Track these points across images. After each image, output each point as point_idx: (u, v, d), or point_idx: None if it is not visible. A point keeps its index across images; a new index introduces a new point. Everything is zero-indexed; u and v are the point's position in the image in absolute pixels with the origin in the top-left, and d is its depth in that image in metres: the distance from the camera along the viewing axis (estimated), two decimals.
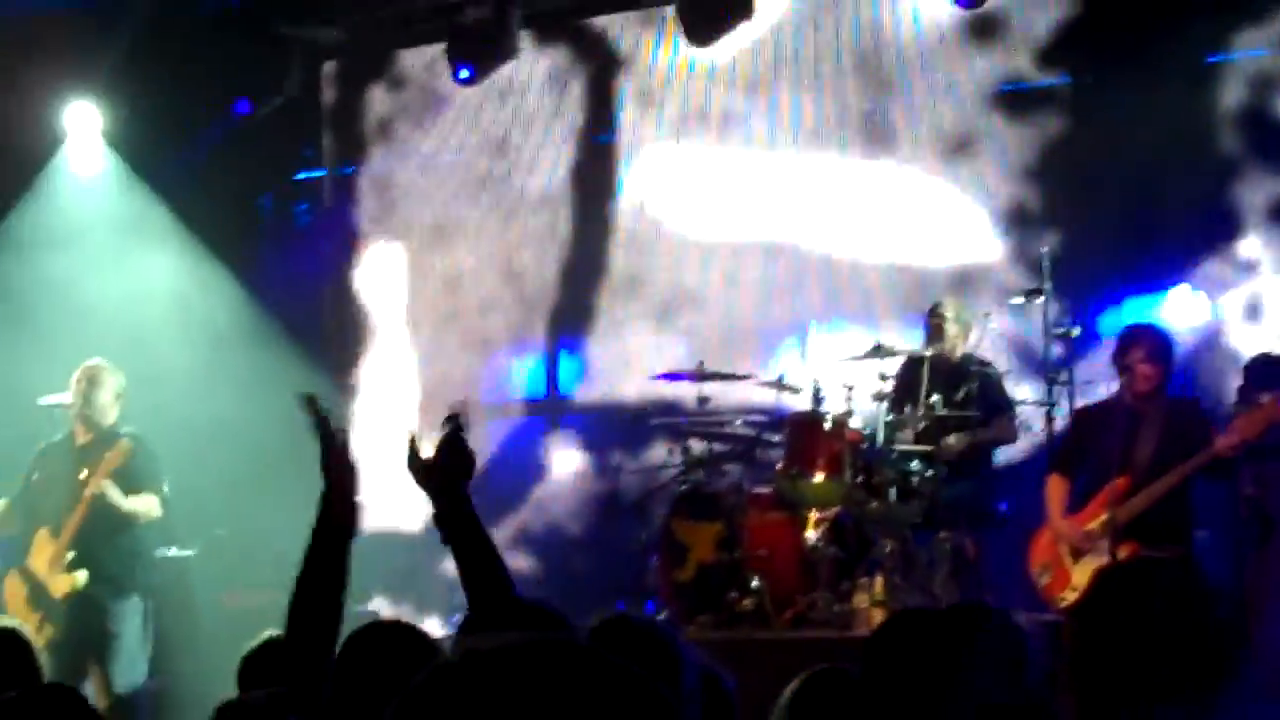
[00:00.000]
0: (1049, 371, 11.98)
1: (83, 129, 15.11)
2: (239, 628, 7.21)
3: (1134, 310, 12.63)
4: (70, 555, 11.36)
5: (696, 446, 12.78)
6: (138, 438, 11.57)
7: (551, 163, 15.53)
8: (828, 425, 11.89)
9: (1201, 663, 4.47)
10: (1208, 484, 10.77)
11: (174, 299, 14.51)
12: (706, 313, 14.70)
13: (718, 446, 12.83)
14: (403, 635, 5.82)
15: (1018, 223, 13.71)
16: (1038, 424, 12.07)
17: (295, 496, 12.09)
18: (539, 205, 15.55)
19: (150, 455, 11.56)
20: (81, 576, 11.33)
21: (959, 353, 12.18)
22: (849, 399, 12.13)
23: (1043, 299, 11.97)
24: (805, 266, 14.41)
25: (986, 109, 13.96)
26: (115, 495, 11.29)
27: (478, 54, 14.49)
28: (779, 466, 12.13)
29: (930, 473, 11.68)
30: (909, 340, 12.61)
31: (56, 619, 11.05)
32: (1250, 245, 12.95)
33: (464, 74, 14.86)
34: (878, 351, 12.08)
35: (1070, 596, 10.53)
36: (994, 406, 12.02)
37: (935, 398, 11.82)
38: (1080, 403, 11.72)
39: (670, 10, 14.10)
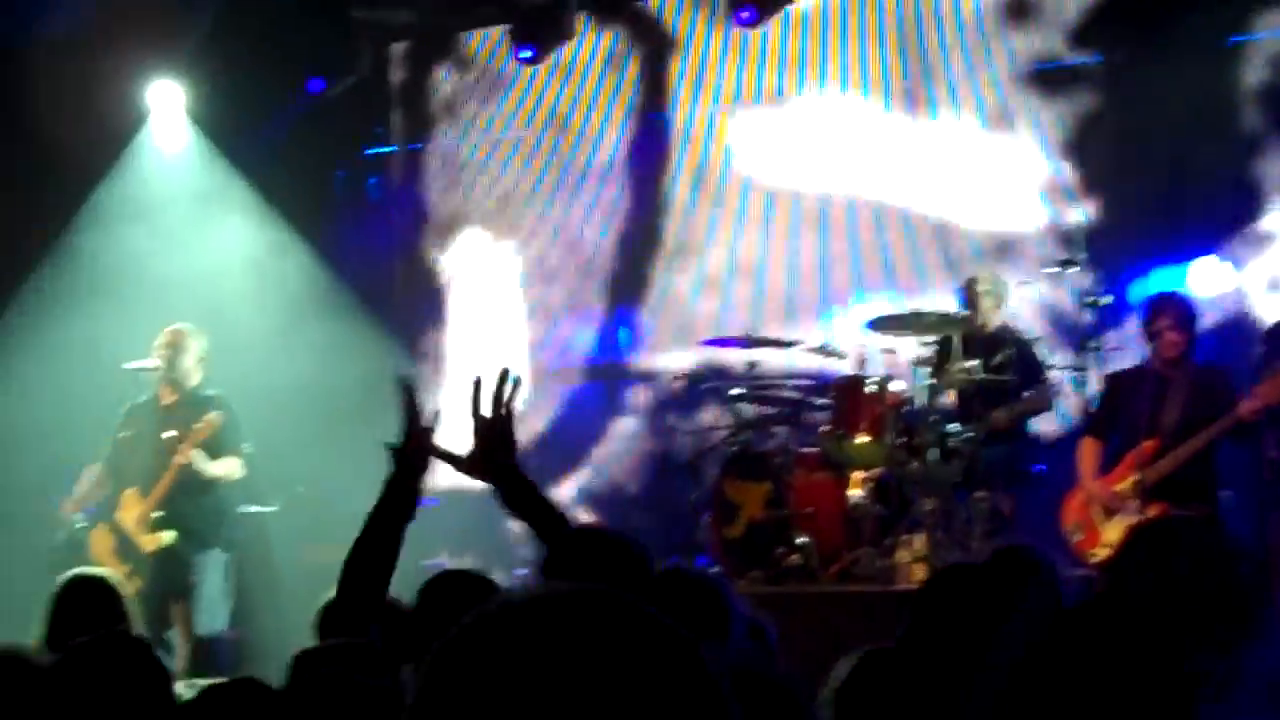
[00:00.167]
0: (1081, 338, 11.98)
1: (166, 106, 15.16)
2: (317, 581, 7.24)
3: (1162, 280, 12.58)
4: (157, 515, 11.45)
5: (746, 409, 12.79)
6: (222, 401, 11.63)
7: (609, 138, 15.55)
8: (871, 389, 11.88)
9: (1226, 616, 4.49)
10: (1232, 447, 10.77)
11: (253, 268, 14.56)
12: (756, 282, 14.70)
13: (766, 409, 12.83)
14: (474, 583, 5.90)
15: (1052, 196, 13.69)
16: (1070, 388, 12.08)
17: (370, 455, 12.17)
18: (597, 179, 15.57)
19: (233, 419, 11.62)
20: (168, 536, 11.41)
21: (994, 322, 12.19)
22: (890, 365, 12.17)
23: (1076, 269, 11.98)
24: (850, 237, 14.42)
25: (1023, 87, 13.94)
26: (202, 463, 11.37)
27: (538, 35, 14.51)
28: (824, 428, 12.13)
29: (969, 435, 11.70)
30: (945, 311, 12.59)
31: (143, 571, 11.13)
32: (1273, 218, 12.92)
33: (525, 54, 14.90)
34: (919, 320, 12.07)
35: (1102, 553, 10.52)
36: (1029, 371, 12.02)
37: (974, 363, 11.82)
38: (1111, 369, 11.73)
39: None
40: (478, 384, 5.31)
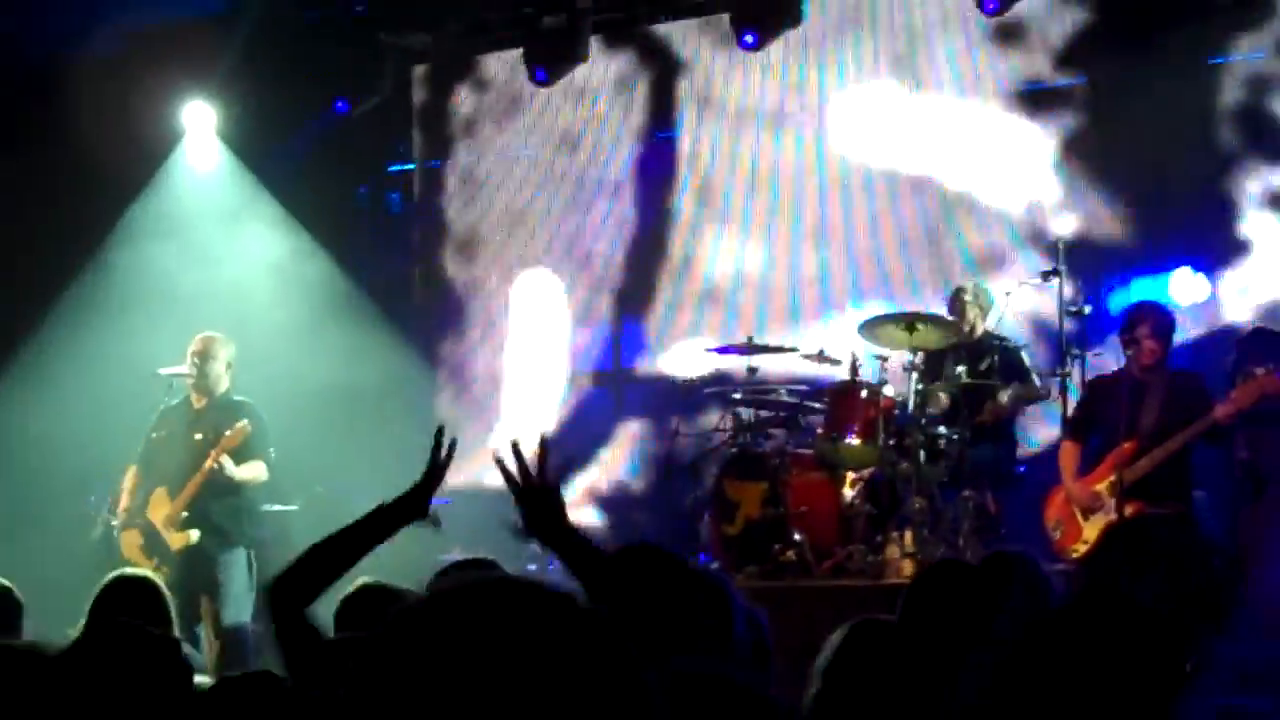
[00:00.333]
0: (1063, 345, 11.96)
1: (199, 126, 15.20)
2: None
3: (1140, 290, 12.59)
4: (184, 515, 11.46)
5: (745, 413, 12.78)
6: (250, 408, 11.63)
7: (619, 157, 15.54)
8: (864, 394, 11.88)
9: (1199, 609, 4.47)
10: (1206, 448, 10.77)
11: (278, 278, 14.56)
12: (756, 292, 14.70)
13: (764, 413, 12.83)
14: (481, 568, 5.88)
15: (1036, 210, 13.68)
16: (1054, 393, 12.06)
17: (385, 457, 12.16)
18: (607, 195, 15.56)
19: (260, 425, 11.62)
20: (194, 535, 11.42)
21: (980, 330, 12.20)
22: (882, 370, 12.17)
23: (1058, 279, 11.95)
24: (842, 252, 14.42)
25: (1010, 106, 13.92)
26: (230, 468, 11.38)
27: (552, 59, 14.50)
28: (819, 431, 12.13)
29: (956, 437, 11.70)
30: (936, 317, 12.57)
31: (171, 567, 11.11)
32: (1246, 230, 12.91)
33: (540, 77, 14.87)
34: (910, 327, 12.06)
35: (1081, 549, 10.53)
36: (1014, 375, 12.03)
37: (961, 369, 11.83)
38: (1091, 374, 11.72)
39: (725, 18, 14.07)
40: (516, 449, 5.27)
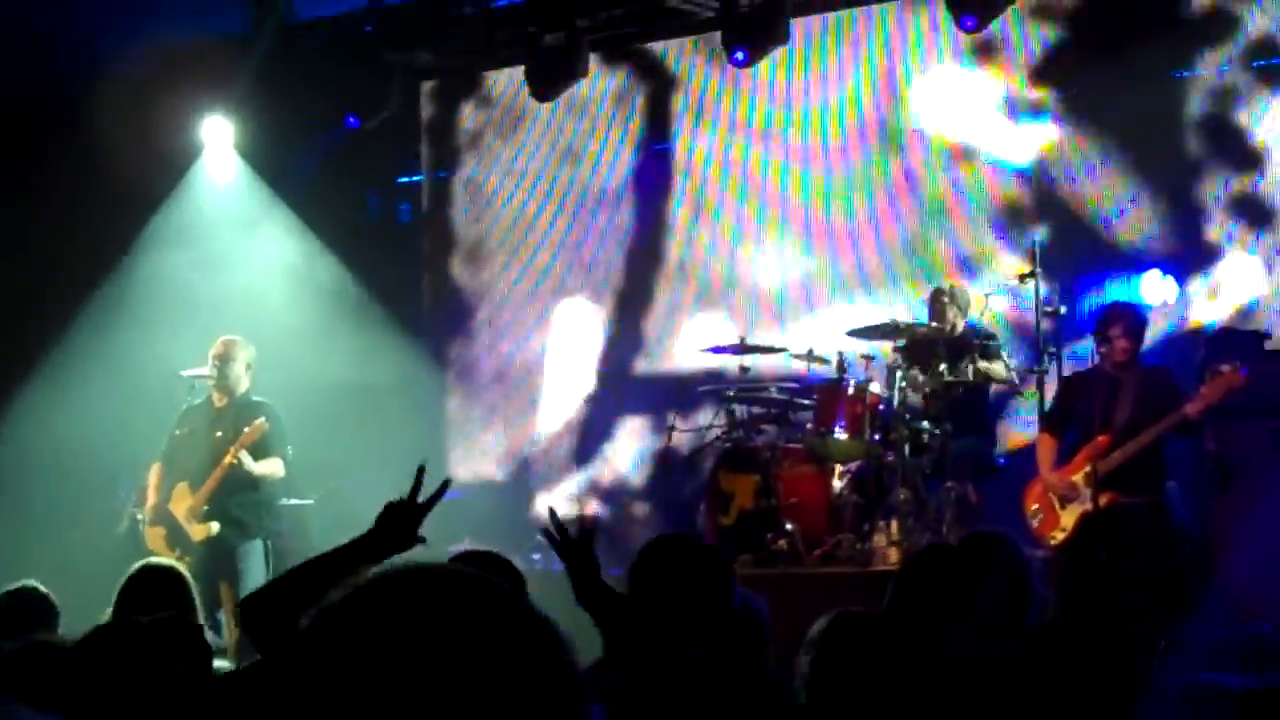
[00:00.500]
0: (1040, 344, 11.97)
1: (218, 140, 15.17)
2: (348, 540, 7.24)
3: (1113, 291, 12.59)
4: (205, 508, 11.47)
5: (738, 410, 12.81)
6: (269, 408, 11.64)
7: (617, 168, 15.53)
8: (851, 391, 11.90)
9: (1170, 591, 4.47)
10: (1177, 441, 10.78)
11: (294, 284, 14.55)
12: (747, 295, 14.70)
13: (756, 410, 12.88)
14: (495, 561, 5.90)
15: (1013, 216, 13.68)
16: (1031, 389, 12.07)
17: (396, 454, 12.15)
18: (607, 205, 15.55)
19: (278, 424, 11.63)
20: (215, 527, 11.44)
21: (960, 328, 12.20)
22: (868, 368, 12.20)
23: (1034, 281, 11.95)
24: (828, 256, 14.43)
25: (987, 118, 13.91)
26: (249, 463, 11.39)
27: (553, 75, 14.47)
28: (809, 426, 12.18)
29: (938, 430, 11.71)
30: (918, 318, 12.59)
31: (193, 557, 11.10)
32: (1212, 235, 12.92)
33: (542, 92, 14.84)
34: (894, 328, 12.10)
35: (1059, 536, 10.55)
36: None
37: (943, 367, 11.84)
38: (1067, 371, 11.73)
39: (717, 36, 14.06)
40: (553, 514, 5.32)
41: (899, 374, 11.96)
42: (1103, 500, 10.39)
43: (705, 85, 15.16)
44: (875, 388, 11.99)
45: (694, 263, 15.11)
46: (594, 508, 14.78)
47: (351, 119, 15.27)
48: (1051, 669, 4.36)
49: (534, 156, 15.94)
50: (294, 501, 12.59)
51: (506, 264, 16.06)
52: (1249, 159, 12.85)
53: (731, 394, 12.85)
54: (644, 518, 14.22)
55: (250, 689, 4.67)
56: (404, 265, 16.34)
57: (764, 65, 14.12)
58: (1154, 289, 12.52)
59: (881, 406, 11.91)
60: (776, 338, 13.44)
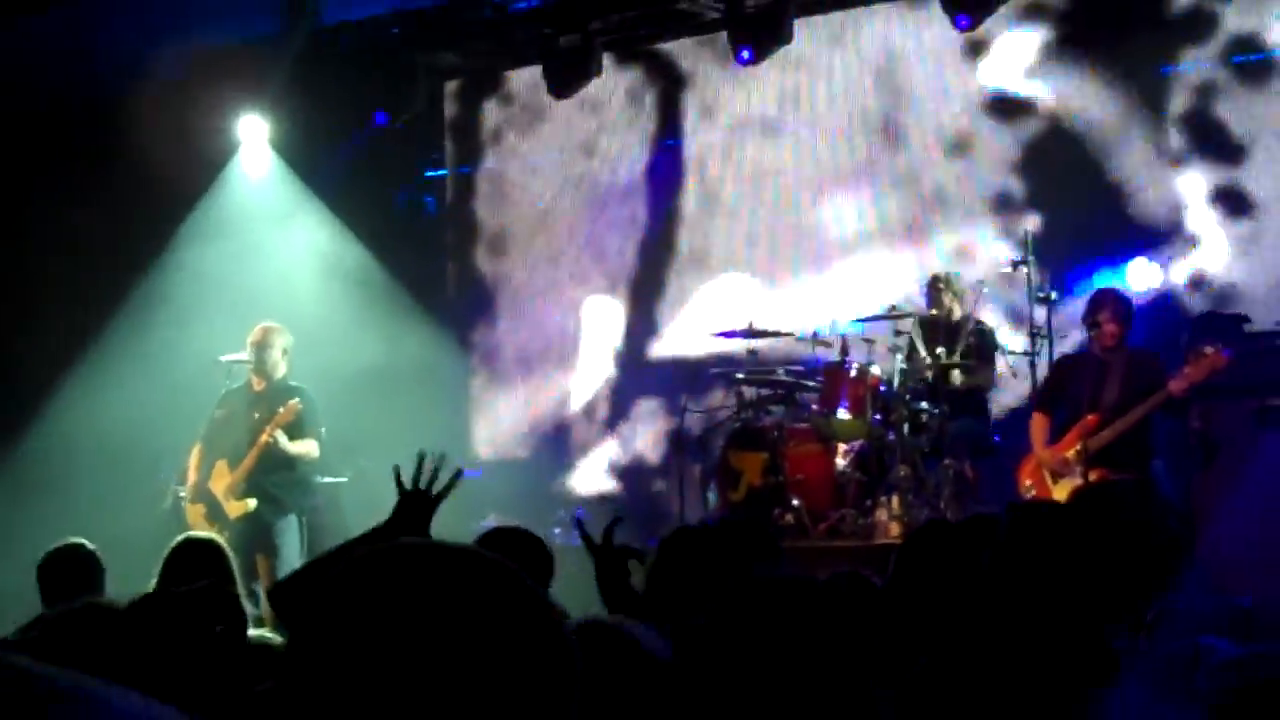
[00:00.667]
0: (1032, 328, 11.97)
1: (253, 137, 15.18)
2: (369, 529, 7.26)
3: (1101, 278, 12.58)
4: (242, 485, 11.50)
5: (747, 391, 12.81)
6: (304, 392, 11.66)
7: (630, 162, 15.55)
8: (853, 373, 11.91)
9: (1156, 562, 4.49)
10: (1162, 420, 10.78)
11: (326, 274, 14.57)
12: (756, 282, 14.70)
13: (764, 391, 12.86)
14: (522, 536, 5.93)
15: (1006, 207, 13.68)
16: (1024, 371, 12.06)
17: (424, 433, 12.15)
18: (620, 197, 15.57)
19: (313, 407, 11.64)
20: (251, 503, 11.46)
21: (956, 314, 12.21)
22: (869, 352, 12.21)
23: (1026, 269, 11.96)
24: (833, 243, 14.43)
25: (980, 114, 13.92)
26: (284, 443, 11.40)
27: (570, 74, 14.48)
28: (814, 407, 12.18)
29: (937, 411, 11.73)
30: (916, 304, 12.61)
31: (230, 531, 11.13)
32: (1195, 224, 12.92)
33: (559, 90, 14.85)
34: (892, 312, 12.12)
35: None
36: (987, 355, 12.07)
37: (940, 350, 11.86)
38: (1058, 354, 11.73)
39: (724, 37, 14.06)
40: (581, 525, 5.36)
41: (899, 357, 11.98)
42: (1093, 476, 10.40)
43: (713, 83, 15.16)
44: (876, 370, 12.01)
45: (702, 252, 15.12)
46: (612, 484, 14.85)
47: (380, 117, 15.29)
48: (1043, 636, 4.37)
49: (552, 151, 15.96)
50: (328, 479, 12.61)
51: (526, 253, 16.08)
52: (1229, 151, 12.85)
53: (741, 376, 12.85)
54: (658, 493, 14.25)
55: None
56: (430, 255, 16.37)
57: (769, 64, 14.11)
58: (1140, 276, 12.52)
59: (882, 388, 11.93)
60: (782, 323, 13.43)
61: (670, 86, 15.43)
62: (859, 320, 12.49)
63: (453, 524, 5.40)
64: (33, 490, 13.03)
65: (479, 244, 16.39)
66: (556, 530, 11.95)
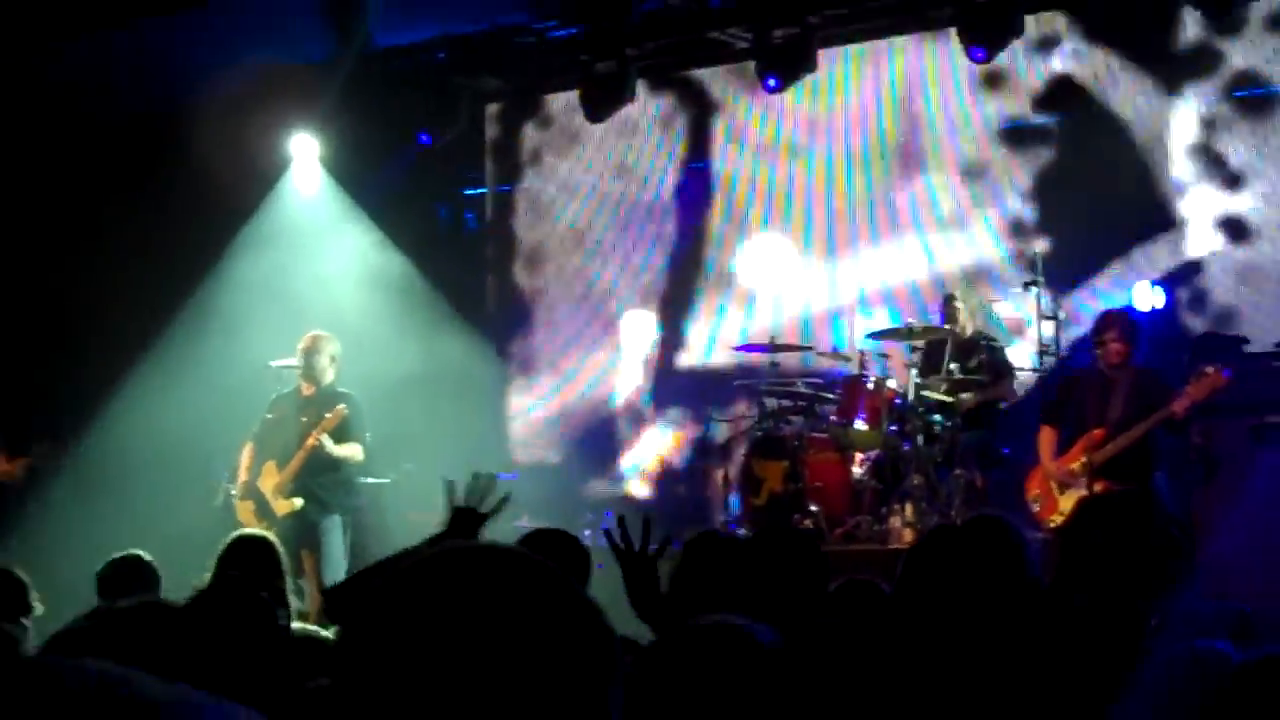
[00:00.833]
0: (1041, 346, 11.98)
1: (304, 155, 15.22)
2: (421, 539, 7.27)
3: (1107, 299, 12.59)
4: (290, 485, 11.53)
5: (769, 402, 12.82)
6: (350, 397, 11.69)
7: (661, 183, 15.57)
8: (870, 386, 11.93)
9: (1157, 571, 4.49)
10: (1165, 435, 10.77)
11: (372, 286, 14.58)
12: (777, 299, 14.70)
13: (785, 402, 12.87)
14: (561, 539, 5.95)
15: (1017, 230, 13.68)
16: (1033, 387, 12.07)
17: (464, 437, 12.15)
18: (652, 216, 15.59)
19: (358, 412, 11.67)
20: (298, 502, 11.50)
21: (969, 331, 12.21)
22: (886, 366, 12.23)
23: (1036, 290, 11.97)
24: (850, 264, 14.43)
25: (994, 142, 13.92)
26: (330, 446, 11.44)
27: (605, 99, 14.50)
28: (832, 417, 12.18)
29: (949, 423, 11.73)
30: (931, 321, 12.61)
31: (278, 528, 11.17)
32: (1197, 249, 12.90)
33: (595, 114, 14.87)
34: (909, 331, 12.13)
35: (1058, 519, 10.51)
36: (998, 371, 12.07)
37: (953, 365, 11.86)
38: (1066, 371, 11.74)
39: (752, 65, 14.08)
40: (621, 521, 5.35)
41: (913, 371, 11.99)
42: (1097, 487, 10.38)
43: (741, 109, 15.17)
44: (892, 383, 12.03)
45: (729, 269, 15.14)
46: (640, 489, 14.86)
47: (424, 137, 15.33)
48: (1049, 640, 4.38)
49: (587, 171, 15.97)
50: (372, 480, 12.64)
51: (562, 268, 16.11)
52: (1230, 181, 12.84)
53: (763, 388, 12.87)
54: (684, 498, 14.25)
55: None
56: (470, 269, 16.39)
57: (794, 91, 14.13)
58: (1144, 297, 12.50)
59: (898, 400, 11.94)
60: (803, 338, 13.45)
61: (701, 111, 15.45)
62: (873, 335, 12.49)
63: (494, 523, 5.43)
64: (93, 489, 13.08)
65: (517, 259, 16.42)
66: (586, 532, 11.94)
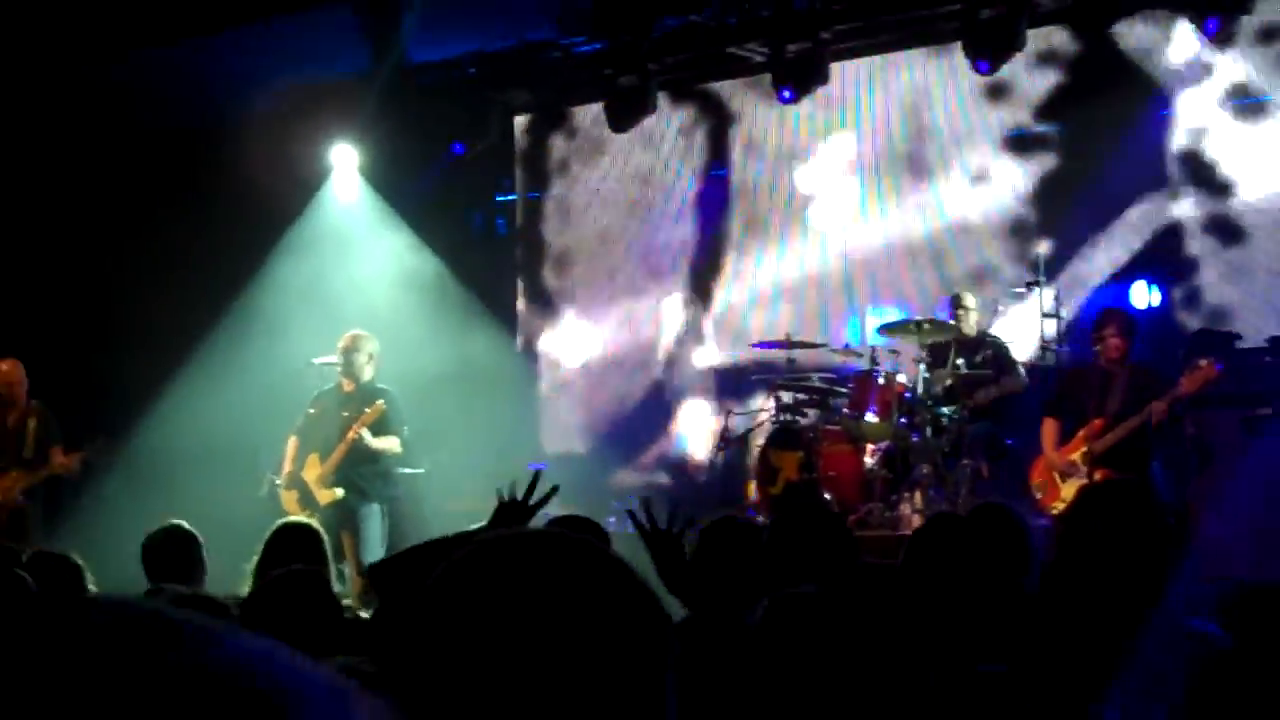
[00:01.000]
0: (1043, 342, 11.97)
1: (344, 164, 15.27)
2: (455, 526, 7.22)
3: (1106, 298, 12.57)
4: (332, 476, 11.56)
5: (785, 396, 12.84)
6: (389, 393, 11.71)
7: (682, 190, 15.58)
8: (881, 380, 11.93)
9: (1153, 555, 4.48)
10: (1161, 426, 10.76)
11: (408, 287, 14.61)
12: (793, 299, 14.72)
13: (800, 396, 12.89)
14: (585, 524, 5.97)
15: (1020, 233, 13.67)
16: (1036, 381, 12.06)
17: (496, 430, 12.15)
18: (673, 221, 15.61)
19: (396, 407, 11.69)
20: (339, 492, 11.53)
21: (976, 329, 12.21)
22: (896, 361, 12.23)
23: (1038, 289, 11.96)
24: (865, 266, 14.42)
25: (998, 149, 13.91)
26: (370, 439, 11.46)
27: (628, 110, 14.51)
28: (845, 410, 12.18)
29: (956, 416, 11.72)
30: (940, 319, 12.60)
31: (320, 515, 11.18)
32: (1191, 250, 12.89)
33: (618, 124, 14.88)
34: (918, 328, 12.11)
35: (1059, 506, 10.49)
36: (1003, 367, 12.06)
37: (960, 361, 11.85)
38: (1067, 366, 11.73)
39: (768, 78, 14.08)
40: (647, 504, 5.35)
41: (922, 366, 11.99)
42: (1097, 476, 10.39)
43: (757, 119, 15.18)
44: (902, 378, 12.03)
45: (747, 271, 15.15)
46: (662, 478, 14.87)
47: (457, 147, 15.36)
48: (1051, 619, 4.39)
49: (612, 179, 15.99)
50: (408, 470, 12.65)
51: (588, 270, 16.13)
52: (1221, 186, 12.82)
53: (779, 382, 12.88)
54: (704, 487, 14.25)
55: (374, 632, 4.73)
56: (501, 271, 16.41)
57: (808, 102, 14.13)
58: (1141, 296, 12.50)
59: (907, 394, 11.93)
60: (817, 335, 13.45)
61: (719, 122, 15.46)
62: (884, 329, 12.49)
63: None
64: (144, 482, 13.11)
65: (545, 262, 16.45)
66: (611, 519, 11.93)
